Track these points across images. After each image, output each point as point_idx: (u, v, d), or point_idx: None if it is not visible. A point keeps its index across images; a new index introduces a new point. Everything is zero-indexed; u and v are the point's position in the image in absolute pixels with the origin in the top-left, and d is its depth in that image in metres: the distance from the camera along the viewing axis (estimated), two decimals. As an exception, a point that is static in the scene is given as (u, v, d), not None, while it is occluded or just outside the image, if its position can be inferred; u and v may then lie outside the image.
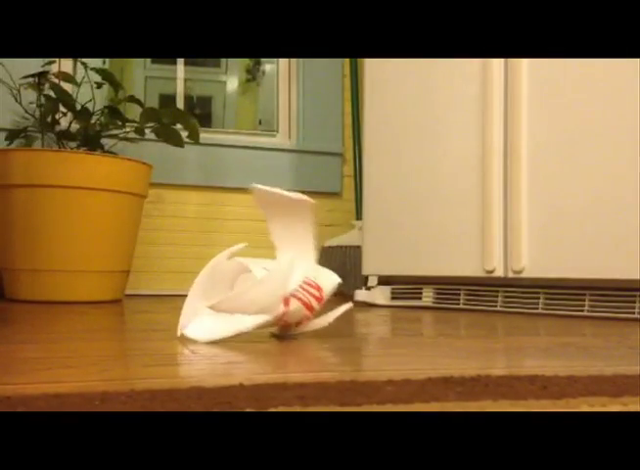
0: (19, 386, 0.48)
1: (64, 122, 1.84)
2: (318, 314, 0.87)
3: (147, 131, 1.81)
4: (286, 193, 0.80)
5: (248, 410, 0.40)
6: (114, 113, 1.76)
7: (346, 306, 0.91)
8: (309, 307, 0.84)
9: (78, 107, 1.76)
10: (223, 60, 4.18)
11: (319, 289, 0.85)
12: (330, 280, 0.88)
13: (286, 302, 0.81)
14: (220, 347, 0.76)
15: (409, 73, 1.68)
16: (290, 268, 0.81)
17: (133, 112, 1.89)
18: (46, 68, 1.76)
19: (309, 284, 0.84)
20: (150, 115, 1.77)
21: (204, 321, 0.82)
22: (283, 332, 0.87)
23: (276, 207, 0.82)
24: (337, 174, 2.39)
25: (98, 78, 1.79)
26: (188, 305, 0.83)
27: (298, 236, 0.83)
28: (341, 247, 2.08)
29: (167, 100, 3.20)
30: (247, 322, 0.80)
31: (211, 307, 0.79)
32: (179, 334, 0.82)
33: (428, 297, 1.65)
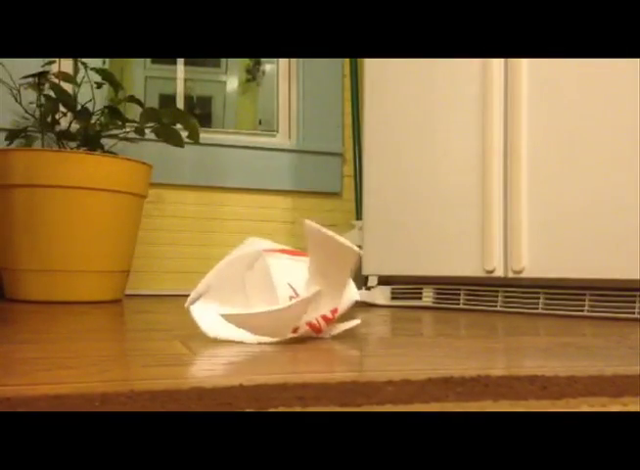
0: (19, 387, 0.48)
1: (64, 122, 1.84)
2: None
3: (147, 131, 1.81)
4: (337, 237, 0.79)
5: (248, 411, 0.40)
6: (114, 113, 1.76)
7: (353, 323, 0.91)
8: (317, 330, 0.84)
9: (78, 107, 1.76)
10: (223, 60, 4.18)
11: (335, 311, 0.85)
12: (347, 298, 0.87)
13: (295, 330, 0.81)
14: (220, 347, 0.76)
15: (409, 73, 1.68)
16: (311, 301, 0.80)
17: (133, 112, 1.89)
18: (46, 68, 1.76)
19: (332, 311, 0.84)
20: (150, 115, 1.77)
21: (213, 313, 0.81)
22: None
23: (323, 245, 0.81)
24: (337, 174, 2.39)
25: (98, 78, 1.79)
26: (204, 283, 0.83)
27: (335, 279, 0.83)
28: (341, 247, 2.08)
29: (167, 100, 3.20)
30: (253, 338, 0.80)
31: (224, 317, 0.78)
32: (186, 306, 0.82)
33: (428, 297, 1.65)
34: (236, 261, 0.84)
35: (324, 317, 0.84)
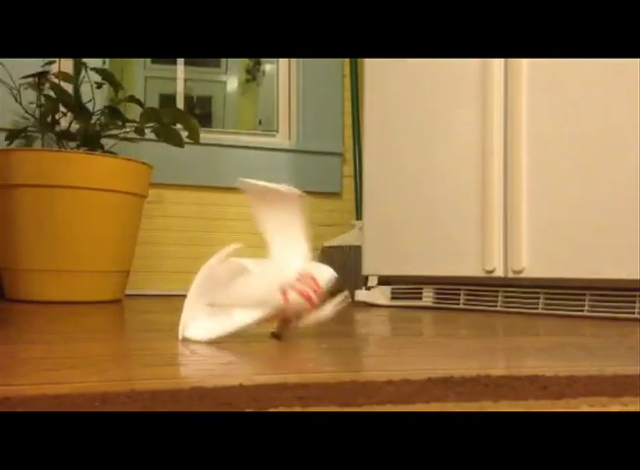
0: (19, 387, 0.48)
1: (64, 122, 1.84)
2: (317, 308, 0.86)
3: (147, 131, 1.81)
4: (275, 186, 0.81)
5: (248, 411, 0.40)
6: (113, 113, 1.76)
7: (343, 295, 0.91)
8: (308, 299, 0.84)
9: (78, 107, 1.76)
10: (223, 60, 4.18)
11: (315, 281, 0.85)
12: (325, 273, 0.88)
13: (284, 293, 0.81)
14: (220, 347, 0.76)
15: (409, 73, 1.68)
16: (284, 261, 0.82)
17: (133, 112, 1.89)
18: (46, 68, 1.76)
19: (305, 276, 0.84)
20: (150, 115, 1.77)
21: (202, 323, 0.82)
22: (283, 329, 0.87)
23: (266, 200, 0.83)
24: (337, 174, 2.39)
25: (98, 78, 1.79)
26: (186, 313, 0.83)
27: (289, 229, 0.84)
28: (341, 247, 2.08)
29: (167, 100, 3.20)
30: (247, 317, 0.79)
31: (211, 304, 0.79)
32: (180, 338, 0.82)
33: (428, 297, 1.65)
34: (204, 276, 0.85)
35: (310, 287, 0.84)
